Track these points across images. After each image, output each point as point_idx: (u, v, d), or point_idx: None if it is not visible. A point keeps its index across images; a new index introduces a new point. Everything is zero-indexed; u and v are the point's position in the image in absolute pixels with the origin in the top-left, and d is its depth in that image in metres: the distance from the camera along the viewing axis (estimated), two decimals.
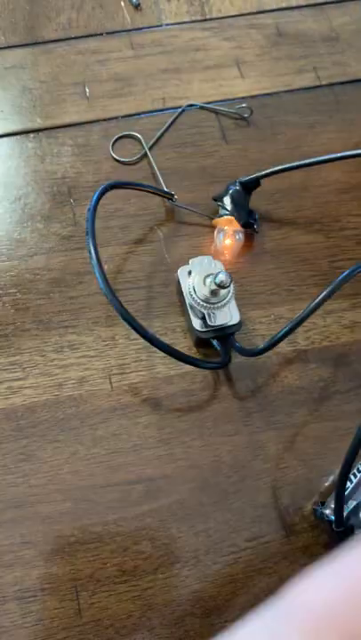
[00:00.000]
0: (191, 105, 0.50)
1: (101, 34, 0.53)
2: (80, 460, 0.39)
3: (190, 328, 0.41)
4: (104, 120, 0.49)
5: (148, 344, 0.41)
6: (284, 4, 0.56)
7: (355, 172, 0.48)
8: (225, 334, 0.40)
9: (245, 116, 0.50)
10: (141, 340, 0.41)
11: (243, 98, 0.51)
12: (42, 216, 0.45)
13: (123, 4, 0.55)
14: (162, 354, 0.41)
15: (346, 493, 0.35)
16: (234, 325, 0.40)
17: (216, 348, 0.41)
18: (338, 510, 0.34)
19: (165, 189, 0.46)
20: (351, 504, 0.35)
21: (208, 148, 0.49)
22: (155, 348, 0.41)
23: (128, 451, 0.39)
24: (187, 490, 0.38)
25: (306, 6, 0.56)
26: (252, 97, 0.51)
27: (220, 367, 0.41)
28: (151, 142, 0.48)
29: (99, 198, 0.39)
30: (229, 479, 0.39)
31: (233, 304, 0.40)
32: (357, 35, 0.55)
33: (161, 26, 0.54)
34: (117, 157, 0.48)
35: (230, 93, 0.51)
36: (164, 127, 0.49)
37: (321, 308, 0.43)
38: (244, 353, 0.40)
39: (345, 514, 0.34)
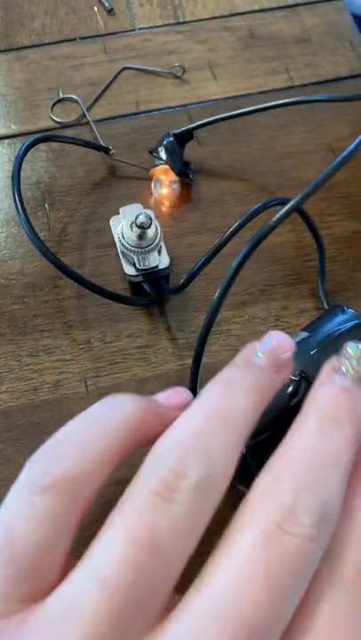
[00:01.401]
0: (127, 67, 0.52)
1: (75, 39, 0.54)
2: None
3: (124, 275, 0.42)
4: (78, 125, 0.50)
5: (123, 347, 0.42)
6: (256, 7, 0.56)
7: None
8: (156, 277, 0.42)
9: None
10: (117, 343, 0.42)
11: (216, 100, 0.52)
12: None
13: (96, 9, 0.55)
14: (137, 355, 0.42)
15: None
16: (164, 269, 0.41)
17: (147, 290, 0.42)
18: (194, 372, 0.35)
19: (102, 144, 0.47)
20: None
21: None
22: (130, 351, 0.42)
23: None
24: None
25: (278, 8, 0.56)
26: (226, 99, 0.52)
27: (148, 304, 0.42)
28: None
29: (27, 149, 0.41)
30: None
31: (163, 249, 0.42)
32: (329, 36, 0.55)
33: (134, 30, 0.55)
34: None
35: (204, 96, 0.52)
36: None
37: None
38: (170, 291, 0.42)
39: None
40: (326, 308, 0.43)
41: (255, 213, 0.37)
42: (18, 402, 0.40)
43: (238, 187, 0.48)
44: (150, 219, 0.39)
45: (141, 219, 0.39)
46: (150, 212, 0.43)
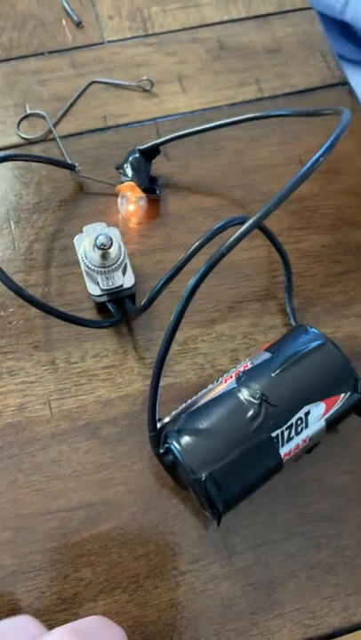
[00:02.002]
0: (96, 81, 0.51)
1: (43, 53, 0.53)
2: (20, 487, 0.38)
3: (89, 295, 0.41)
4: (45, 141, 0.49)
5: (89, 367, 0.41)
6: (226, 17, 0.56)
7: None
8: (120, 297, 0.41)
9: None
10: (82, 364, 0.41)
11: (184, 113, 0.51)
12: None
13: (64, 22, 0.55)
14: (102, 377, 0.41)
15: (175, 412, 0.36)
16: (129, 288, 0.41)
17: (111, 310, 0.41)
18: (152, 413, 0.34)
19: (68, 161, 0.46)
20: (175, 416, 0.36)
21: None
22: (94, 372, 0.41)
23: (68, 477, 0.39)
24: (127, 514, 0.38)
25: (248, 18, 0.56)
26: (194, 112, 0.51)
27: (111, 325, 0.41)
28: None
29: None
30: (170, 501, 0.38)
31: (128, 268, 0.41)
32: (300, 45, 0.55)
33: (103, 43, 0.54)
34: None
35: (173, 109, 0.51)
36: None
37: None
38: (133, 311, 0.41)
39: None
40: (294, 324, 0.43)
41: (217, 232, 0.37)
42: None
43: (206, 202, 0.47)
44: (110, 239, 0.38)
45: (101, 239, 0.38)
46: (114, 231, 0.42)
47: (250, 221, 0.30)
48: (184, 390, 0.41)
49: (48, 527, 0.38)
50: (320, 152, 0.33)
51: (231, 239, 0.31)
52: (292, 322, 0.43)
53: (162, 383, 0.41)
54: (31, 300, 0.36)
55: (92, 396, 0.41)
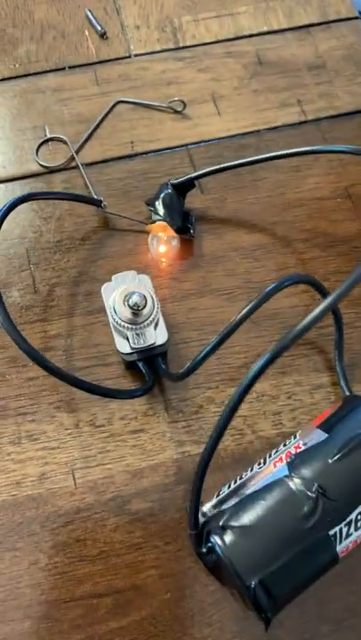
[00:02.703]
0: (122, 101, 0.46)
1: (64, 68, 0.49)
2: (41, 570, 0.35)
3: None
4: (66, 169, 0.45)
5: (116, 431, 0.37)
6: (265, 28, 0.51)
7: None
8: (152, 355, 0.37)
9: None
10: (108, 427, 0.37)
11: (220, 139, 0.46)
12: None
13: (87, 32, 0.50)
14: (131, 442, 0.37)
15: (219, 498, 0.32)
16: (161, 345, 0.37)
17: (142, 371, 0.37)
18: (194, 511, 0.30)
19: (94, 196, 0.42)
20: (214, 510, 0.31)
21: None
22: (122, 436, 0.37)
23: (94, 559, 0.35)
24: (159, 602, 0.34)
25: (289, 29, 0.51)
26: (231, 137, 0.46)
27: (143, 394, 0.37)
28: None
29: (8, 211, 0.36)
30: (207, 588, 0.35)
31: (161, 322, 0.37)
32: (345, 61, 0.50)
33: (129, 57, 0.49)
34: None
35: (207, 133, 0.47)
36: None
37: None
38: (168, 377, 0.37)
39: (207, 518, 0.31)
40: (344, 386, 0.38)
41: (269, 295, 0.32)
42: None
43: (244, 240, 0.43)
44: (144, 299, 0.34)
45: (135, 300, 0.34)
46: (146, 281, 0.38)
47: (324, 304, 0.26)
48: (222, 459, 0.37)
49: (73, 616, 0.34)
50: None
51: (301, 326, 0.26)
52: (343, 383, 0.38)
53: (197, 451, 0.37)
54: (59, 374, 0.32)
55: (119, 465, 0.37)
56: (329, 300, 0.25)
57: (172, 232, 0.41)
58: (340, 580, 0.35)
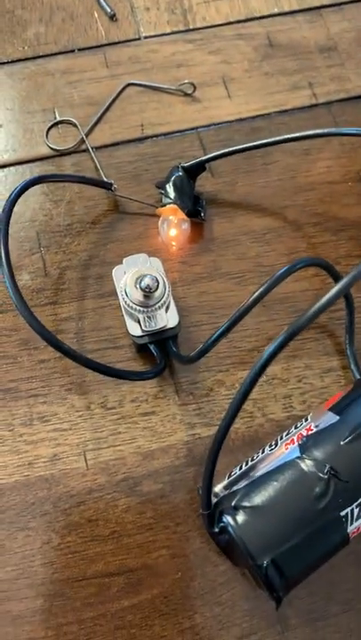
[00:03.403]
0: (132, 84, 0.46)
1: (73, 50, 0.48)
2: (53, 549, 0.35)
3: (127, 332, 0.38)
4: (76, 152, 0.45)
5: (127, 413, 0.37)
6: (275, 10, 0.50)
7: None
8: (163, 338, 0.37)
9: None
10: (119, 409, 0.38)
11: (230, 122, 0.46)
12: None
13: (96, 14, 0.49)
14: (142, 425, 0.38)
15: (230, 479, 0.32)
16: (172, 328, 0.37)
17: (153, 353, 0.37)
18: (206, 491, 0.30)
19: (104, 179, 0.42)
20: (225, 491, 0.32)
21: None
22: (133, 418, 0.38)
23: (106, 538, 0.35)
24: (171, 581, 0.35)
25: (300, 11, 0.50)
26: (241, 120, 0.46)
27: (154, 376, 0.37)
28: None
29: (19, 194, 0.36)
30: (218, 568, 0.35)
31: (172, 305, 0.37)
32: (358, 43, 0.49)
33: (139, 39, 0.49)
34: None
35: (217, 116, 0.46)
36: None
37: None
38: (179, 359, 0.37)
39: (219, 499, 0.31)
40: (355, 370, 0.38)
41: (281, 278, 0.32)
42: (11, 479, 0.36)
43: (255, 224, 0.43)
44: (156, 281, 0.34)
45: (147, 282, 0.34)
46: (157, 264, 0.38)
47: (339, 285, 0.25)
48: (233, 442, 0.38)
49: (85, 594, 0.34)
50: None
51: (315, 307, 0.26)
52: (353, 366, 0.39)
53: (208, 433, 0.37)
54: (72, 355, 0.32)
55: (130, 447, 0.37)
56: (344, 281, 0.25)
57: (182, 215, 0.41)
58: (351, 561, 0.35)
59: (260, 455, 0.33)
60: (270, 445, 0.33)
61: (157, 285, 0.34)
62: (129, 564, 0.35)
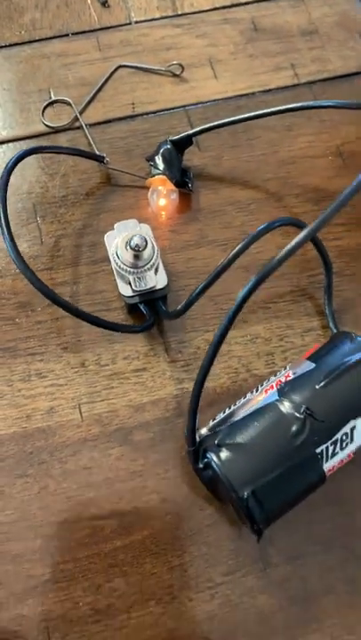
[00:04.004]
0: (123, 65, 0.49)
1: (67, 35, 0.51)
2: (50, 495, 0.37)
3: (119, 294, 0.40)
4: (71, 129, 0.47)
5: (120, 370, 0.40)
6: None
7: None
8: (153, 298, 0.40)
9: None
10: (112, 366, 0.40)
11: (216, 100, 0.49)
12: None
13: (89, 1, 0.52)
14: (134, 380, 0.40)
15: (214, 422, 0.35)
16: (161, 289, 0.39)
17: (143, 312, 0.40)
18: (191, 429, 0.33)
19: (97, 152, 0.44)
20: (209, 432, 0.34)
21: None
22: (125, 374, 0.40)
23: (100, 484, 0.38)
24: (160, 523, 0.37)
25: None
26: (227, 99, 0.49)
27: (144, 330, 0.40)
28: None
29: (15, 163, 0.39)
30: (204, 512, 0.37)
31: (161, 267, 0.40)
32: (338, 27, 0.52)
33: (130, 24, 0.51)
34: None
35: (204, 96, 0.49)
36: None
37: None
38: (167, 315, 0.40)
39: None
40: (333, 328, 0.41)
41: (259, 235, 0.35)
42: (10, 430, 0.39)
43: (240, 195, 0.45)
44: (145, 240, 0.37)
45: (136, 241, 0.37)
46: (145, 228, 0.40)
47: (304, 233, 0.28)
48: (218, 395, 0.40)
49: (80, 536, 0.37)
50: None
51: (283, 252, 0.29)
52: (332, 325, 0.41)
53: None
54: (65, 306, 0.35)
55: (123, 400, 0.40)
56: (311, 227, 0.27)
57: (171, 186, 0.43)
58: (330, 502, 0.37)
59: (243, 400, 0.35)
60: (251, 392, 0.35)
61: (146, 244, 0.37)
62: (121, 508, 0.37)
